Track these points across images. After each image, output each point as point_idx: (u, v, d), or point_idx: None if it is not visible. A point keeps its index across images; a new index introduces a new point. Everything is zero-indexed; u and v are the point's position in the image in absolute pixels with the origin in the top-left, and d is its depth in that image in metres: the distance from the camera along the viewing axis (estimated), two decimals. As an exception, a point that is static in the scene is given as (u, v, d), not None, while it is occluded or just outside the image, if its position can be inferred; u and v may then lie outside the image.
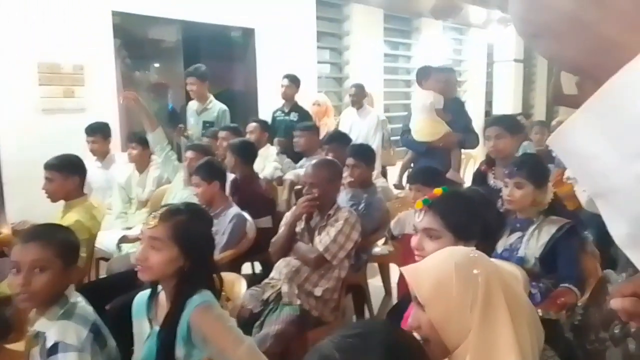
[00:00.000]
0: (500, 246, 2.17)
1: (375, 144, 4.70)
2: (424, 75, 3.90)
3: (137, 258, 1.51)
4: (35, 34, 4.05)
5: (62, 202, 2.69)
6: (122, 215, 3.76)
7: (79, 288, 2.37)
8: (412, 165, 4.05)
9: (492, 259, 1.20)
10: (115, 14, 4.51)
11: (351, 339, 0.90)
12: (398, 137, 5.69)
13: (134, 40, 5.23)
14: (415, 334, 1.27)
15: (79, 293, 1.54)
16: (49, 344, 1.35)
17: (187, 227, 1.51)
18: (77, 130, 3.91)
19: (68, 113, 4.20)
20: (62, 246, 1.48)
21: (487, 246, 1.47)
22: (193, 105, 4.60)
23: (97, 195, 3.75)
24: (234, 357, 1.38)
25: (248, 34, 5.58)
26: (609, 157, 0.34)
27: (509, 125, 2.75)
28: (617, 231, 0.37)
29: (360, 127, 4.92)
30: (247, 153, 3.51)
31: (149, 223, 1.52)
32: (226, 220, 2.80)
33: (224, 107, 4.54)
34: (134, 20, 4.81)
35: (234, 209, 2.88)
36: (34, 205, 2.81)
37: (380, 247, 3.52)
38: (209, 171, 2.87)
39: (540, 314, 1.72)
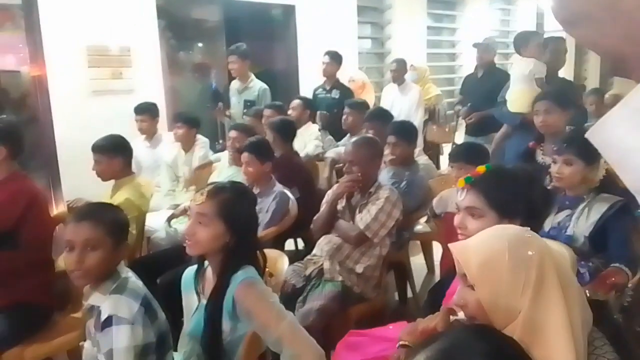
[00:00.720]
0: (547, 224, 2.11)
1: (417, 120, 4.63)
2: (523, 41, 3.63)
3: (185, 233, 1.57)
4: (83, 18, 4.17)
5: (112, 181, 2.81)
6: (169, 193, 3.88)
7: (130, 263, 2.51)
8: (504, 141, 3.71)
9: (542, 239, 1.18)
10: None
11: (448, 352, 0.88)
12: (452, 112, 5.61)
13: (177, 21, 5.31)
14: (461, 313, 1.26)
15: (129, 268, 1.62)
16: (103, 317, 1.43)
17: (232, 205, 1.55)
18: (125, 111, 4.04)
19: (116, 94, 4.34)
20: (112, 225, 1.55)
21: (534, 225, 1.44)
22: (235, 84, 4.65)
23: (146, 174, 3.89)
24: (275, 331, 1.42)
25: (289, 11, 5.55)
26: None
27: (559, 99, 2.64)
28: None
29: (402, 104, 4.85)
30: (287, 131, 3.53)
31: (196, 200, 1.57)
32: (270, 199, 2.84)
33: (265, 85, 4.56)
34: (177, 1, 4.88)
35: (278, 187, 2.92)
36: (87, 183, 2.92)
37: (422, 225, 3.49)
38: (262, 151, 2.89)
39: (588, 294, 1.68)
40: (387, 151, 3.00)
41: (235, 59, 4.45)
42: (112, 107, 4.23)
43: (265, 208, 2.82)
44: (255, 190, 2.88)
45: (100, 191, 2.87)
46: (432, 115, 5.58)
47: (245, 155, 2.89)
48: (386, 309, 2.72)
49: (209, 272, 1.64)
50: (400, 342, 1.43)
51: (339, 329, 2.23)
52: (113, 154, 2.71)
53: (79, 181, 3.48)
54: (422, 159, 3.61)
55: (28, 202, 2.16)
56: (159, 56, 4.65)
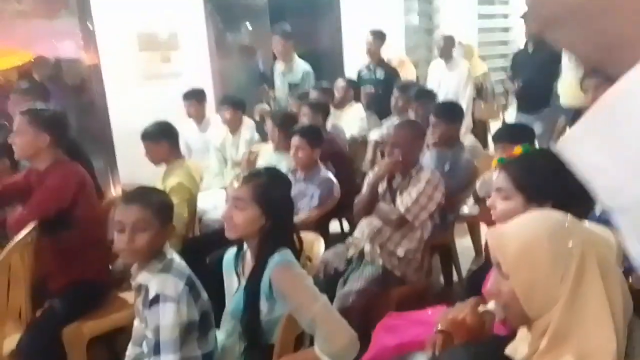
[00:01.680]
0: (599, 209, 2.03)
1: (465, 98, 4.50)
2: None
3: (223, 217, 1.63)
4: (133, 4, 4.30)
5: (164, 165, 2.91)
6: (219, 175, 4.00)
7: (184, 243, 2.62)
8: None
9: (585, 223, 1.14)
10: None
11: None
12: (501, 90, 5.41)
13: (223, 3, 5.37)
14: (490, 304, 1.25)
15: (183, 248, 1.69)
16: (150, 295, 1.51)
17: (267, 189, 1.60)
18: (175, 94, 4.16)
19: (166, 78, 4.47)
20: (159, 207, 1.62)
21: (575, 211, 1.39)
22: (279, 66, 4.67)
23: (196, 156, 4.02)
24: (309, 313, 1.46)
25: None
26: (613, 173, 0.32)
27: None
28: (632, 249, 0.34)
29: (449, 81, 4.73)
30: (324, 110, 3.55)
31: (233, 185, 1.62)
32: (315, 184, 2.87)
33: (308, 68, 4.55)
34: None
35: (324, 173, 2.94)
36: (142, 166, 3.02)
37: (469, 207, 3.43)
38: (313, 136, 2.91)
39: (632, 281, 1.62)
40: (430, 132, 2.95)
41: (278, 39, 4.46)
42: (162, 90, 4.37)
43: (310, 193, 2.85)
44: (300, 175, 2.92)
45: (154, 174, 2.96)
46: (480, 92, 5.40)
47: (296, 139, 2.89)
48: (429, 293, 2.71)
49: (248, 255, 1.69)
50: (438, 327, 1.44)
51: (379, 311, 2.25)
52: (158, 140, 2.81)
53: (135, 164, 3.63)
54: (468, 139, 3.52)
55: (77, 184, 2.26)
56: (205, 39, 4.74)
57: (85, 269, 2.26)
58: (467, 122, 4.42)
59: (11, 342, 2.04)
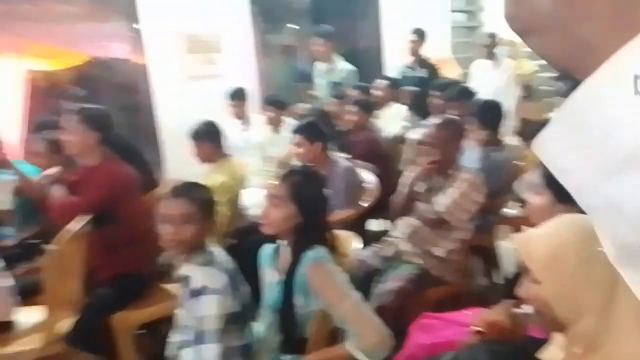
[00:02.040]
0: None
1: (511, 98, 4.41)
2: None
3: (260, 214, 1.68)
4: (180, 6, 4.45)
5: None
6: (260, 173, 4.08)
7: (228, 237, 2.69)
8: None
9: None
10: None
11: None
12: (550, 87, 5.24)
13: (268, 4, 5.46)
14: (526, 306, 1.24)
15: (222, 245, 1.75)
16: (195, 286, 1.58)
17: (302, 187, 1.65)
18: (219, 94, 4.27)
19: (210, 79, 4.59)
20: (203, 202, 1.70)
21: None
22: (320, 66, 4.70)
23: (238, 155, 4.10)
24: (341, 309, 1.49)
25: (375, -13, 5.49)
26: (581, 174, 0.32)
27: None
28: (607, 250, 0.35)
29: (494, 80, 4.63)
30: (369, 108, 3.58)
31: (270, 182, 1.67)
32: (337, 177, 2.88)
33: (351, 67, 4.55)
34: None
35: (342, 163, 2.94)
36: (187, 163, 3.09)
37: (512, 208, 3.36)
38: (311, 132, 2.91)
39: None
40: (469, 132, 2.92)
41: (318, 41, 4.49)
42: (207, 91, 4.49)
43: (335, 188, 2.89)
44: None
45: (199, 171, 3.02)
46: (526, 91, 5.27)
47: (294, 138, 2.91)
48: (468, 294, 2.68)
49: (285, 250, 1.74)
50: (473, 328, 1.44)
51: (415, 310, 2.25)
52: (204, 140, 2.90)
53: (180, 161, 3.77)
54: (511, 139, 3.45)
55: (122, 183, 2.37)
56: (250, 40, 4.84)
57: (131, 261, 2.37)
58: (512, 122, 4.33)
59: (64, 325, 2.17)
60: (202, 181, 2.72)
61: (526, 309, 1.24)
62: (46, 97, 5.98)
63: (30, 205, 2.78)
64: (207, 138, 2.91)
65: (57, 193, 2.34)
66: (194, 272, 1.62)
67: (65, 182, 2.45)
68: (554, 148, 0.34)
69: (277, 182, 1.65)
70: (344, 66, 4.55)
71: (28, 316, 2.22)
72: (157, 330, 2.49)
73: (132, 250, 2.38)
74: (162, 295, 2.43)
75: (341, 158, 3.01)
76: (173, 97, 4.48)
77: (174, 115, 4.39)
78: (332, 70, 4.59)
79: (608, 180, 0.31)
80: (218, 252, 1.70)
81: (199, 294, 1.56)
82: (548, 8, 0.32)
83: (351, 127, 3.57)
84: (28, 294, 2.30)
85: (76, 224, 2.23)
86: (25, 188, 2.62)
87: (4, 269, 2.21)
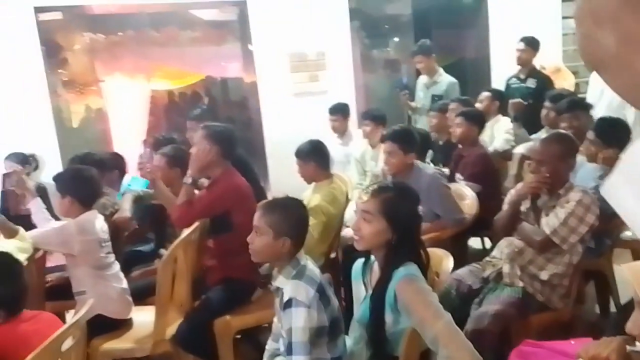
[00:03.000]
0: None
1: (632, 111, 4.00)
2: None
3: (352, 228, 1.70)
4: (286, 28, 4.68)
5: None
6: (358, 187, 4.12)
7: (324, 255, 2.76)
8: None
9: None
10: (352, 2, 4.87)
11: None
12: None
13: (370, 20, 5.54)
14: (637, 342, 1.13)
15: (322, 264, 1.80)
16: (285, 298, 1.64)
17: (394, 203, 1.64)
18: (321, 110, 4.40)
19: (313, 95, 4.76)
20: (294, 218, 1.76)
21: None
22: (422, 79, 4.66)
23: (337, 169, 4.19)
24: (431, 330, 1.46)
25: (478, 0, 5.32)
26: None
27: None
28: None
29: (613, 93, 4.24)
30: (478, 121, 3.47)
31: (362, 197, 1.69)
32: (423, 186, 2.74)
33: (453, 80, 4.47)
34: (370, 3, 5.09)
35: (425, 170, 2.87)
36: (290, 177, 3.18)
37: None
38: (405, 140, 2.86)
39: None
40: (585, 148, 2.71)
41: (420, 57, 4.48)
42: (310, 107, 4.66)
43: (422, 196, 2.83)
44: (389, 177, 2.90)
45: (302, 185, 3.09)
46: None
47: (387, 145, 2.85)
48: (578, 322, 2.47)
49: (376, 266, 1.74)
50: None
51: (516, 337, 2.13)
52: (307, 159, 2.97)
53: (284, 175, 3.93)
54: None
55: (237, 194, 2.54)
56: (350, 56, 4.94)
57: (239, 268, 2.49)
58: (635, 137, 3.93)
59: (173, 328, 2.35)
60: (304, 194, 2.86)
61: (638, 347, 1.14)
62: (166, 115, 6.59)
63: (152, 212, 3.07)
64: (310, 157, 2.98)
65: (180, 200, 2.55)
66: (285, 285, 1.69)
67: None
68: (620, 195, 0.35)
69: (369, 197, 1.66)
70: (445, 79, 4.48)
71: (142, 316, 2.44)
72: (257, 337, 2.61)
73: (242, 258, 2.50)
74: (263, 304, 2.52)
75: (425, 165, 2.94)
76: (279, 113, 4.71)
77: (280, 130, 4.60)
78: (434, 83, 4.53)
79: None
80: (309, 265, 1.75)
81: (288, 306, 1.62)
82: (613, 48, 0.35)
83: (458, 140, 3.47)
84: (144, 296, 2.53)
85: (190, 231, 2.43)
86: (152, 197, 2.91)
87: (120, 271, 2.47)
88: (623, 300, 2.89)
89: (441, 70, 4.57)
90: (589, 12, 0.35)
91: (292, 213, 1.76)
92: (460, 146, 3.50)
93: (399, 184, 1.79)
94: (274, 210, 1.76)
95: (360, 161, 4.14)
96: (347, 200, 3.08)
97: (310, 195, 2.96)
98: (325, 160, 3.03)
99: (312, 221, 2.57)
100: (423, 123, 4.38)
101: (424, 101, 4.61)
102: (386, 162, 2.91)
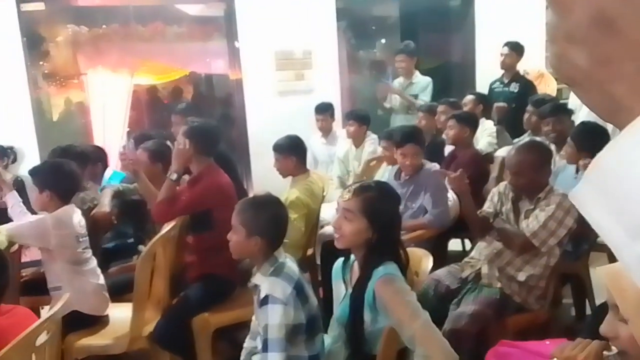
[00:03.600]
0: None
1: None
2: None
3: (332, 226, 1.70)
4: (273, 26, 4.65)
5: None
6: (340, 187, 4.12)
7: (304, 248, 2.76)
8: None
9: None
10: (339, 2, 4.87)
11: None
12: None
13: (356, 20, 5.55)
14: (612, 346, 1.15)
15: (299, 258, 1.80)
16: (262, 295, 1.64)
17: (375, 203, 1.65)
18: (306, 109, 4.40)
19: (298, 94, 4.74)
20: (271, 216, 1.77)
21: None
22: (399, 80, 4.75)
23: (321, 168, 4.20)
24: (409, 329, 1.46)
25: (467, 1, 5.36)
26: (616, 232, 0.33)
27: None
28: None
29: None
30: (473, 123, 3.53)
31: (343, 196, 1.69)
32: (422, 179, 2.94)
33: (428, 79, 4.58)
34: (357, 4, 5.10)
35: (433, 169, 2.99)
36: (273, 175, 3.20)
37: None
38: (420, 140, 3.06)
39: None
40: (565, 151, 2.75)
41: (403, 57, 4.54)
42: (294, 105, 4.64)
43: (419, 191, 2.94)
44: (405, 178, 3.02)
45: (284, 183, 3.14)
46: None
47: (409, 147, 2.96)
48: (553, 324, 2.51)
49: (356, 265, 1.75)
50: None
51: (493, 337, 2.15)
52: (288, 153, 3.00)
53: (266, 173, 3.92)
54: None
55: (219, 191, 2.53)
56: (336, 56, 4.94)
57: (218, 265, 2.48)
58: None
59: (151, 325, 2.32)
60: (282, 194, 2.86)
61: (615, 349, 1.15)
62: (149, 109, 6.51)
63: (132, 208, 3.03)
64: (289, 152, 3.00)
65: (161, 196, 2.53)
66: (262, 282, 1.68)
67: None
68: (588, 203, 0.35)
69: (350, 196, 1.66)
70: (421, 80, 4.58)
71: (119, 312, 2.41)
72: (235, 335, 2.59)
73: (222, 255, 2.49)
74: (242, 301, 2.51)
75: (430, 163, 3.07)
76: (264, 111, 4.68)
77: (264, 128, 4.57)
78: (410, 84, 4.62)
79: (637, 241, 0.32)
80: (288, 262, 1.74)
81: (264, 303, 1.62)
82: (585, 67, 0.35)
83: (452, 141, 3.51)
84: (122, 292, 2.50)
85: (169, 227, 2.40)
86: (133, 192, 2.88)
87: (97, 266, 2.43)
88: (598, 302, 2.94)
89: (417, 72, 4.65)
90: (563, 32, 0.36)
91: (266, 212, 1.76)
92: (453, 147, 3.55)
93: (380, 183, 1.80)
94: (248, 209, 1.77)
95: (343, 161, 4.14)
96: (323, 196, 3.10)
97: (287, 190, 2.98)
98: (303, 156, 3.09)
99: (293, 215, 2.59)
100: (400, 122, 4.42)
101: (397, 101, 4.64)
102: (408, 164, 2.99)
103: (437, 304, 2.27)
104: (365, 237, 1.64)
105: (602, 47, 0.34)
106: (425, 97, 4.51)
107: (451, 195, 2.91)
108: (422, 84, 4.57)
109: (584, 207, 0.35)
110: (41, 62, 5.43)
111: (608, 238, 0.34)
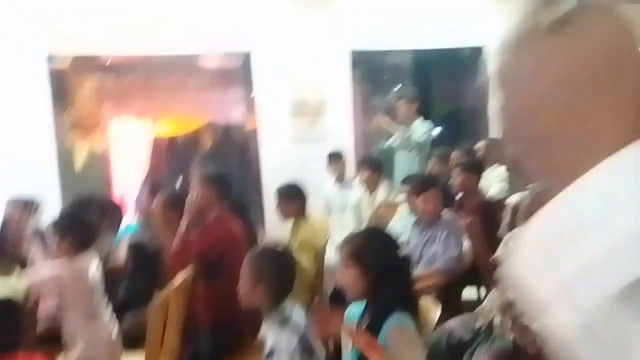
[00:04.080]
0: None
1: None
2: None
3: (336, 279, 1.73)
4: (289, 74, 4.80)
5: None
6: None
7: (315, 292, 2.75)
8: None
9: None
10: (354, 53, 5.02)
11: None
12: None
13: (371, 68, 5.68)
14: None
15: (308, 302, 1.81)
16: (267, 348, 1.65)
17: (363, 249, 1.66)
18: (320, 156, 4.48)
19: (312, 142, 4.83)
20: (277, 265, 1.81)
21: None
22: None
23: (335, 214, 4.22)
24: None
25: (477, 53, 5.48)
26: (540, 294, 0.35)
27: None
28: None
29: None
30: (477, 169, 3.60)
31: (340, 246, 1.72)
32: (440, 227, 2.98)
33: (429, 124, 4.63)
34: (371, 54, 5.26)
35: (445, 215, 3.02)
36: (287, 223, 3.30)
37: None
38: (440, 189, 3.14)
39: None
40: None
41: (403, 103, 4.59)
42: (309, 152, 4.72)
43: (436, 237, 2.95)
44: (424, 223, 3.06)
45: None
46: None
47: (432, 193, 3.04)
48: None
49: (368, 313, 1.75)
50: None
51: (507, 390, 2.09)
52: (290, 199, 3.12)
53: (281, 221, 3.94)
54: None
55: (230, 239, 2.57)
56: (351, 104, 5.04)
57: (229, 315, 2.48)
58: None
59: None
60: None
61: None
62: (168, 159, 6.68)
63: (147, 258, 3.08)
64: (290, 198, 3.10)
65: (175, 246, 2.59)
66: (268, 333, 1.70)
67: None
68: (526, 268, 0.37)
69: (340, 247, 1.70)
70: (419, 124, 4.57)
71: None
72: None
73: (232, 304, 2.51)
74: (253, 352, 2.50)
75: (447, 212, 3.14)
76: (279, 158, 4.78)
77: (279, 175, 4.64)
78: (408, 131, 4.60)
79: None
80: (295, 314, 1.75)
81: (269, 356, 1.64)
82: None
83: (458, 189, 3.54)
84: (136, 342, 2.51)
85: (182, 277, 2.44)
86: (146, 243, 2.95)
87: (112, 317, 2.46)
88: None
89: (421, 117, 4.64)
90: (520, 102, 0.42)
91: (273, 264, 1.79)
92: (462, 194, 3.56)
93: (371, 229, 1.83)
94: (256, 259, 1.80)
95: (357, 208, 4.16)
96: (327, 241, 3.17)
97: (292, 234, 3.06)
98: (302, 201, 3.20)
99: (304, 256, 2.63)
100: (402, 161, 4.53)
101: (400, 142, 4.61)
102: (430, 210, 3.06)
103: (450, 356, 2.24)
104: (363, 285, 1.64)
105: (546, 123, 0.39)
106: (419, 139, 4.50)
107: (466, 242, 2.91)
108: (421, 127, 4.57)
109: (514, 263, 0.37)
110: (66, 112, 5.63)
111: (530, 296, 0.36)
